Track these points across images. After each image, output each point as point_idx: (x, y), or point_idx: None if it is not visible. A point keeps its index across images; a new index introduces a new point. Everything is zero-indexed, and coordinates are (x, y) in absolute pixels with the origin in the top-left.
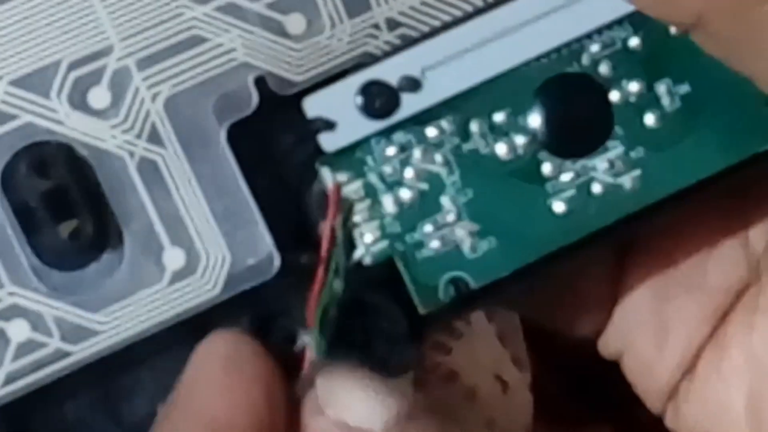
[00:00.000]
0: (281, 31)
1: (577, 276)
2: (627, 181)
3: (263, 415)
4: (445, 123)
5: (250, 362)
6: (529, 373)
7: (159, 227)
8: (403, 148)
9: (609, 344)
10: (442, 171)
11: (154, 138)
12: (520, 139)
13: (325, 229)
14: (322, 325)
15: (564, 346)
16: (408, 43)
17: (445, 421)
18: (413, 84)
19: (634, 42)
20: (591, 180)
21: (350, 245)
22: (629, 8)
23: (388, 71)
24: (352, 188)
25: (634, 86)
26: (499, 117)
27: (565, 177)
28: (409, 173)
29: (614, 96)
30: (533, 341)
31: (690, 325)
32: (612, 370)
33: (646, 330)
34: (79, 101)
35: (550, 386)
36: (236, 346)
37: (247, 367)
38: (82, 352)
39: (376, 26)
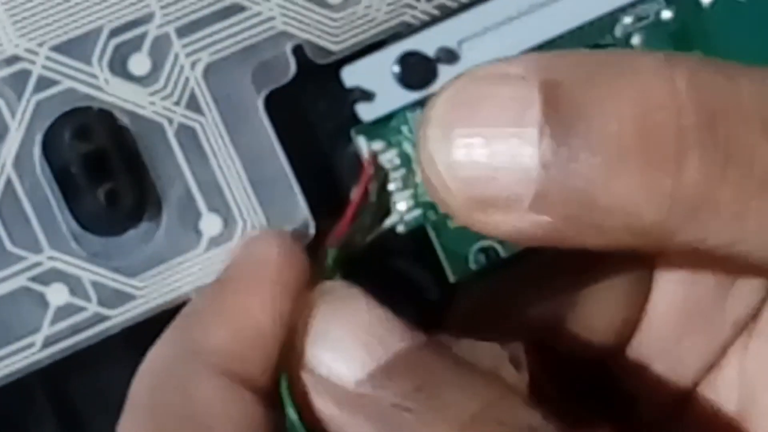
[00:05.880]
0: (320, 1)
1: (601, 292)
2: None
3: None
4: None
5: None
6: (527, 374)
7: (196, 193)
8: None
9: (631, 367)
10: None
11: (193, 105)
12: None
13: (356, 192)
14: (335, 263)
15: (562, 346)
16: (446, 14)
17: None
18: (450, 55)
19: (666, 15)
20: None
21: (384, 213)
22: None
23: (426, 42)
24: (387, 157)
25: None
26: None
27: None
28: None
29: None
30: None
31: (704, 358)
32: (611, 370)
33: (667, 358)
34: (119, 68)
35: (547, 387)
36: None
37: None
38: (120, 316)
39: None
